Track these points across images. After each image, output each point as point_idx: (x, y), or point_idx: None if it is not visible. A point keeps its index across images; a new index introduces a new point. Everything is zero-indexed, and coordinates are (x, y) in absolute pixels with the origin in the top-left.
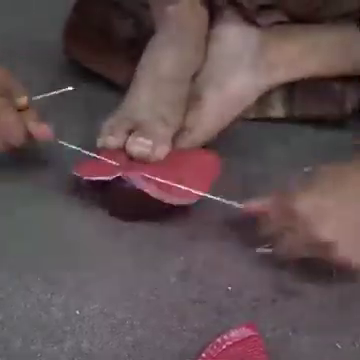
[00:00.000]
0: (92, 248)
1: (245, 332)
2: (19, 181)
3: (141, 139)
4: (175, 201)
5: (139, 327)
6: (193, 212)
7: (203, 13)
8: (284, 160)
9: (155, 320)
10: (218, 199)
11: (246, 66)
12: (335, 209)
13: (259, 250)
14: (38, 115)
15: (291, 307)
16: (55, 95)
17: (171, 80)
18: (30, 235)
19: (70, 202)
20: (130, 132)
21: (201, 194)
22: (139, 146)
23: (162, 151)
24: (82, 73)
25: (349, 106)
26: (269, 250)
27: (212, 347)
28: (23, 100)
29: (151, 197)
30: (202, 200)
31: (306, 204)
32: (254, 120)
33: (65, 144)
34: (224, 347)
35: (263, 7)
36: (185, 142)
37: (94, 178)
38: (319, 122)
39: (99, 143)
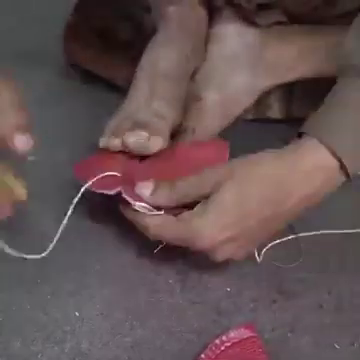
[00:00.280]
0: (92, 248)
1: (244, 333)
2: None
3: (137, 131)
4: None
5: (139, 327)
6: None
7: (202, 13)
8: None
9: (154, 321)
10: None
11: (245, 66)
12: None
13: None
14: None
15: (290, 308)
16: (55, 95)
17: (168, 78)
18: None
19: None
20: None
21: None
22: (134, 136)
23: (156, 142)
24: (82, 74)
25: None
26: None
27: (211, 348)
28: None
29: None
30: None
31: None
32: (254, 120)
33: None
34: (223, 348)
35: (262, 7)
36: (185, 142)
37: (95, 190)
38: None
39: (102, 143)
